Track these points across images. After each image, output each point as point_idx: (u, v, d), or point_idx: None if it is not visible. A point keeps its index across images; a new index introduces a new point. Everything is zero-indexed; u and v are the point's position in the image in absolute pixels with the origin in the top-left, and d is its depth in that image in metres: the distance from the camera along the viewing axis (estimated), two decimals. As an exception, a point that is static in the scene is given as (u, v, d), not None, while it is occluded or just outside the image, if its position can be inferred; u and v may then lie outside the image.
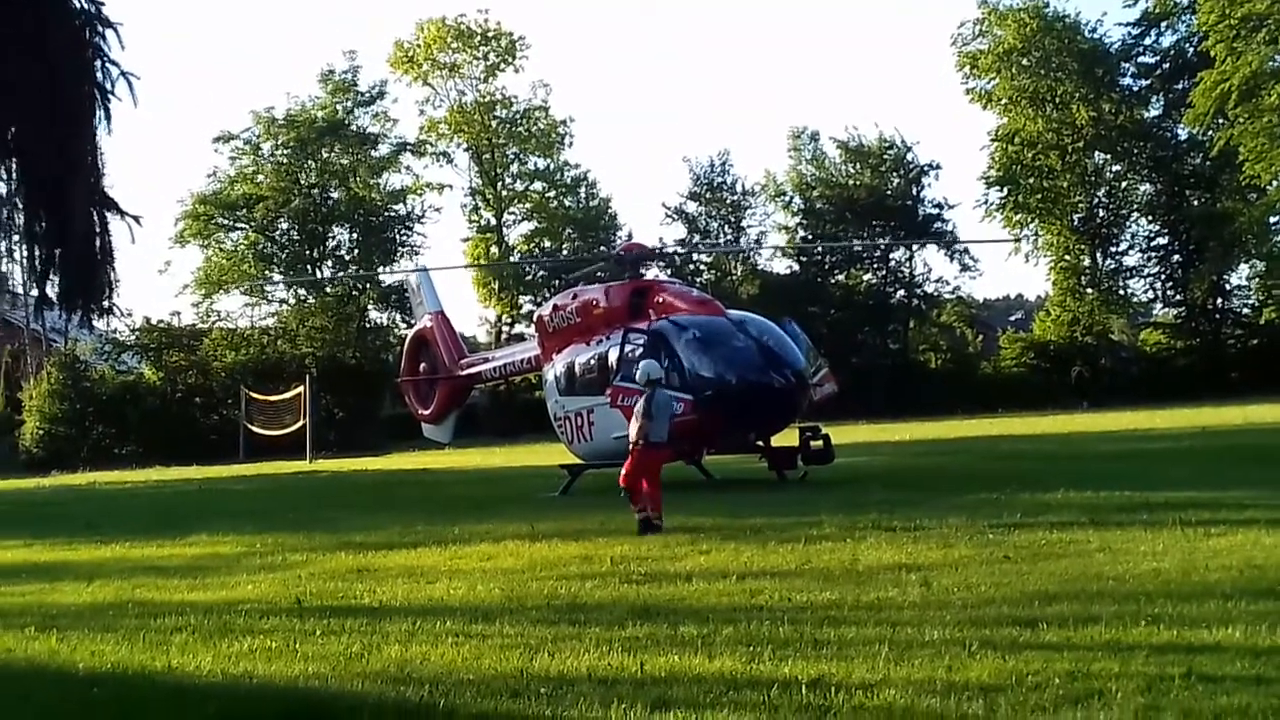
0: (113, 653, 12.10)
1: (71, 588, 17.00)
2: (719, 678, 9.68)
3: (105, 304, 40.27)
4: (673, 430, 21.58)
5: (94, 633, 13.22)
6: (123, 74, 37.46)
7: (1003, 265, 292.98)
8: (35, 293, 38.73)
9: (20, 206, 37.17)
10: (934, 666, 9.65)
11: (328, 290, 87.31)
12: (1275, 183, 76.38)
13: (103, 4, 37.04)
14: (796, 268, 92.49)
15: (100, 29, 37.35)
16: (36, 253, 37.39)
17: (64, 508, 35.21)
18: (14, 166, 35.95)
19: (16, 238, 37.54)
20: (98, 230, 37.20)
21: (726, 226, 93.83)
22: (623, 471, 21.21)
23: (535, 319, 38.35)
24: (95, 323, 48.87)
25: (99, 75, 37.10)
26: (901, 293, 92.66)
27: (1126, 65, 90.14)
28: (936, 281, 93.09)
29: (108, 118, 37.26)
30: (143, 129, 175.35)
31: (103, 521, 28.18)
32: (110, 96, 37.41)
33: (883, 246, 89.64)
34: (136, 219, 38.63)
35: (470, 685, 9.88)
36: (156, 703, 9.94)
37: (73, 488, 46.47)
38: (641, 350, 28.83)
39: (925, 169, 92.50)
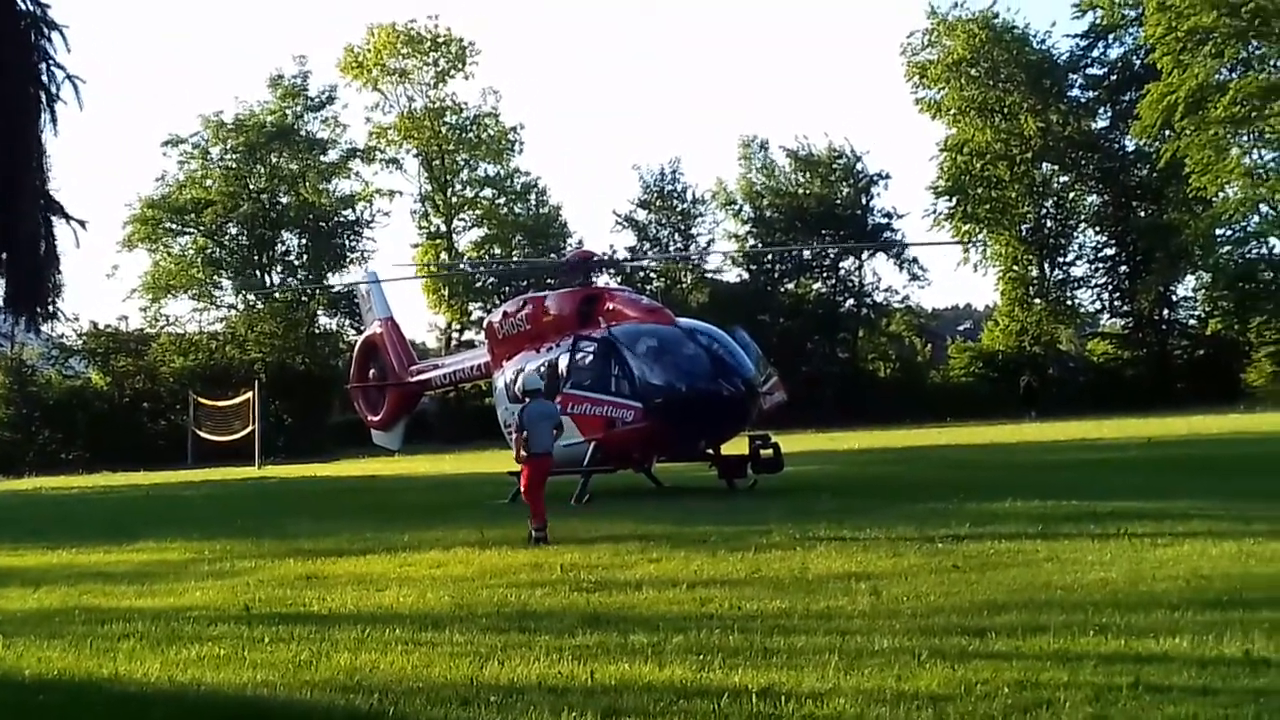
0: (59, 659, 12.04)
1: (18, 594, 16.90)
2: (669, 686, 9.69)
3: (51, 308, 39.97)
4: (557, 445, 22.08)
5: (40, 639, 13.15)
6: (68, 77, 37.14)
7: (952, 275, 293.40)
8: (-19, 298, 38.40)
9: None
10: (884, 675, 9.69)
11: (277, 296, 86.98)
12: (1221, 195, 77.02)
13: (48, 6, 36.76)
14: (746, 276, 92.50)
15: (45, 31, 37.07)
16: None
17: (10, 513, 35.00)
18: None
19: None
20: (43, 234, 36.92)
21: (676, 234, 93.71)
22: (520, 487, 21.67)
23: (485, 326, 38.29)
24: (41, 327, 48.56)
25: (44, 78, 36.84)
26: (851, 302, 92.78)
27: (1074, 76, 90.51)
28: (886, 290, 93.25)
29: (53, 121, 36.98)
30: (89, 132, 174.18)
31: (49, 527, 28.02)
32: (56, 99, 37.16)
33: (832, 254, 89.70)
34: (82, 223, 38.32)
35: (420, 693, 9.87)
36: (103, 710, 9.90)
37: (19, 493, 46.19)
38: (592, 359, 28.86)
39: (875, 178, 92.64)
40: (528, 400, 22.21)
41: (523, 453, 21.22)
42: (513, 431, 21.69)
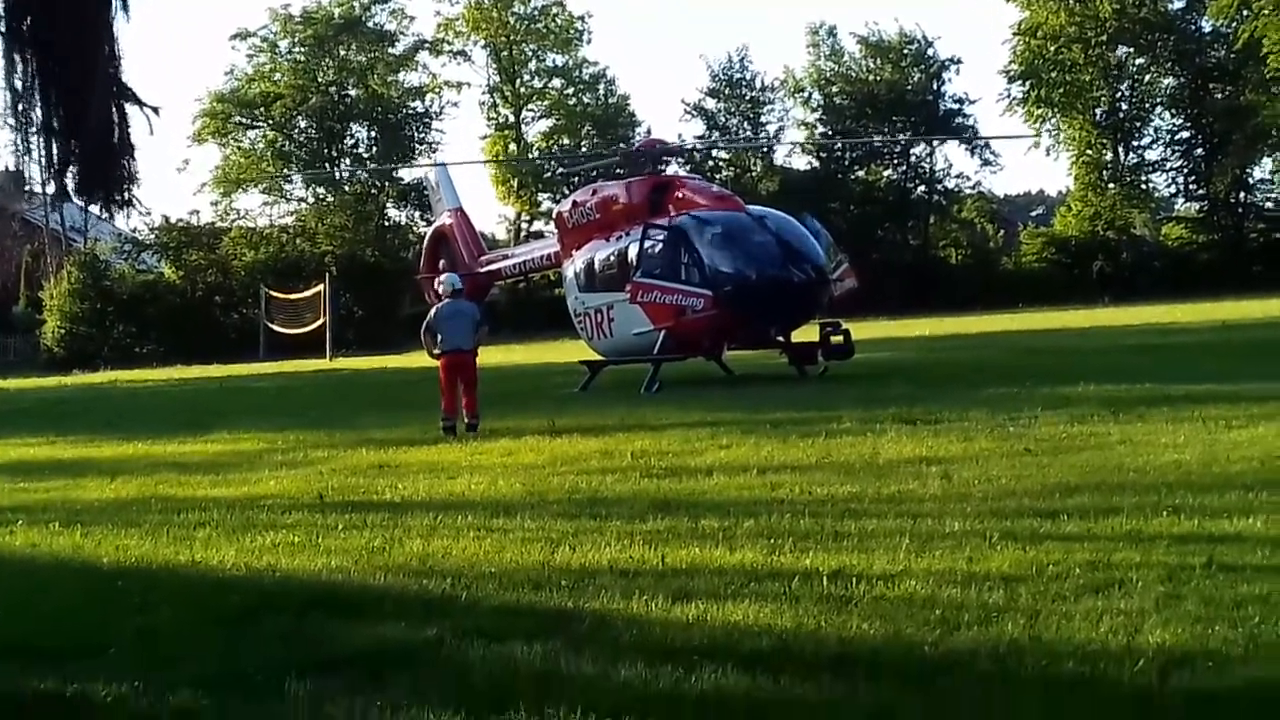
0: (137, 547, 12.16)
1: (95, 484, 17.08)
2: (740, 569, 9.70)
3: (124, 196, 40.16)
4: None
5: (118, 528, 13.28)
6: (143, -39, 37.09)
7: (1023, 160, 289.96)
8: (54, 186, 38.61)
9: (38, 99, 36.96)
10: (954, 557, 9.67)
11: (346, 188, 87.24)
12: (1300, 76, 75.83)
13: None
14: (816, 164, 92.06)
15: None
16: (54, 145, 37.19)
17: (86, 406, 35.32)
18: (31, 58, 35.72)
19: (34, 130, 37.31)
20: (115, 121, 36.99)
21: (746, 123, 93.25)
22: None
23: (555, 216, 38.22)
24: (115, 215, 48.83)
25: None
26: (922, 188, 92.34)
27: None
28: (957, 177, 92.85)
29: (125, 8, 36.99)
30: (161, 25, 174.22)
31: (124, 419, 28.34)
32: (128, -13, 37.12)
33: (902, 142, 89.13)
34: (155, 110, 38.52)
35: (492, 578, 9.91)
36: (181, 594, 10.00)
37: (94, 386, 46.62)
38: (661, 247, 28.78)
39: (946, 64, 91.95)
40: (445, 300, 22.68)
41: (434, 350, 21.96)
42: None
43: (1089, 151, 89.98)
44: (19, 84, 34.96)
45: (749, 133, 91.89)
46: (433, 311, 22.80)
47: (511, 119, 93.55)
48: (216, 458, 19.80)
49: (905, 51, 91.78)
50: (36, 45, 34.82)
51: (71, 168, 36.71)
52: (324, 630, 8.87)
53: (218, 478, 17.02)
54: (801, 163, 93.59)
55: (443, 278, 24.03)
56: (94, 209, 42.08)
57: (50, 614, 9.69)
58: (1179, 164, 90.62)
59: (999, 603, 8.42)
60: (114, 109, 36.27)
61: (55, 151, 36.33)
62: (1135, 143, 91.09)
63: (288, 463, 18.26)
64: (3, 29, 34.10)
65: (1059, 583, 8.82)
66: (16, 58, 34.69)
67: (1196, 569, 8.92)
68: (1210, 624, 7.70)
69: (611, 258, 31.03)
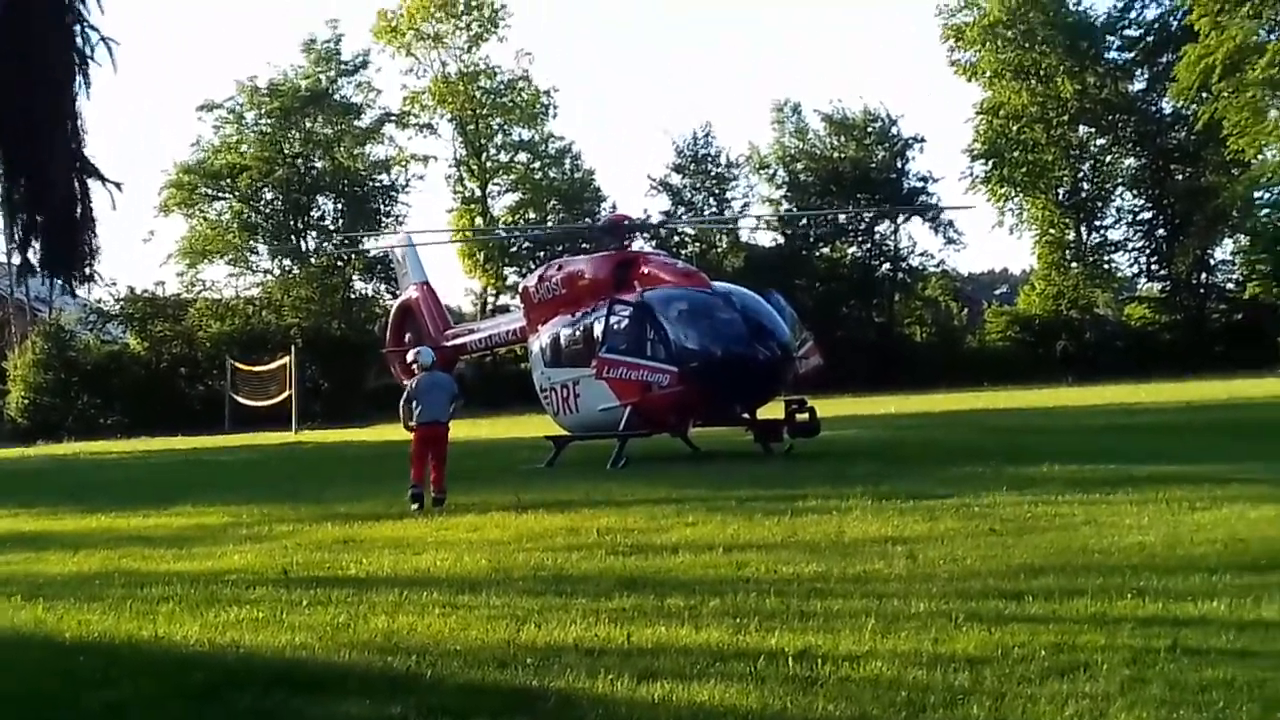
0: (99, 622, 12.11)
1: (57, 557, 17.00)
2: (705, 649, 9.71)
3: (87, 270, 40.13)
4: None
5: (80, 602, 13.22)
6: (103, 39, 37.21)
7: (987, 239, 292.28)
8: (17, 260, 38.59)
9: (0, 173, 36.98)
10: (920, 638, 9.69)
11: (312, 261, 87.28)
12: (1260, 157, 76.46)
13: (82, -32, 36.78)
14: (781, 240, 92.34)
15: (80, -7, 37.11)
16: (17, 219, 37.20)
17: (49, 478, 35.24)
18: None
19: (-3, 205, 37.36)
20: (78, 196, 37.00)
21: (711, 199, 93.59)
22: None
23: (520, 290, 38.28)
24: (77, 290, 48.77)
25: (79, 40, 36.86)
26: (886, 266, 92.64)
27: (1111, 38, 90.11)
28: (921, 255, 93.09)
29: (87, 84, 37.07)
30: (125, 97, 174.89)
31: (88, 492, 28.19)
32: (90, 62, 37.20)
33: (867, 218, 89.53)
34: (117, 185, 38.51)
35: (457, 655, 9.92)
36: (144, 670, 9.96)
37: (58, 458, 46.48)
38: (627, 323, 28.85)
39: (910, 142, 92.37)
40: (422, 374, 22.87)
41: (410, 422, 22.34)
42: (409, 406, 22.60)
43: (1052, 230, 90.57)
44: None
45: (714, 208, 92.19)
46: (413, 383, 23.01)
47: (478, 193, 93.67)
48: (181, 531, 19.71)
49: (869, 129, 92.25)
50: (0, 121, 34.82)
51: (34, 242, 36.67)
52: (288, 708, 8.86)
53: (181, 552, 16.94)
54: (766, 239, 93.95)
55: (418, 351, 24.22)
56: (58, 285, 42.03)
57: (13, 689, 9.64)
58: (1141, 244, 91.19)
59: (964, 685, 8.45)
60: (76, 184, 36.27)
61: (18, 226, 36.32)
62: (1098, 222, 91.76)
63: (252, 537, 18.21)
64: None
65: (1024, 665, 8.85)
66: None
67: (1161, 652, 8.97)
68: (1175, 708, 7.74)
69: (577, 333, 31.13)
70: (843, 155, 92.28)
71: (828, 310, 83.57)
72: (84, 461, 43.35)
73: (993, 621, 10.10)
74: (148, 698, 9.24)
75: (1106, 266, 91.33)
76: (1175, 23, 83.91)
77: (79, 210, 37.50)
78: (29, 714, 8.92)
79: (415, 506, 21.08)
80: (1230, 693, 7.99)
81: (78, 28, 37.18)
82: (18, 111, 35.09)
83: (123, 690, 9.46)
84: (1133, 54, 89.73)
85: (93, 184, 38.18)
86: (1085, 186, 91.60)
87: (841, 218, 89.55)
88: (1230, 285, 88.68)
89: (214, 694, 9.23)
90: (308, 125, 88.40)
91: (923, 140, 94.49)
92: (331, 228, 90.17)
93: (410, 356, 29.29)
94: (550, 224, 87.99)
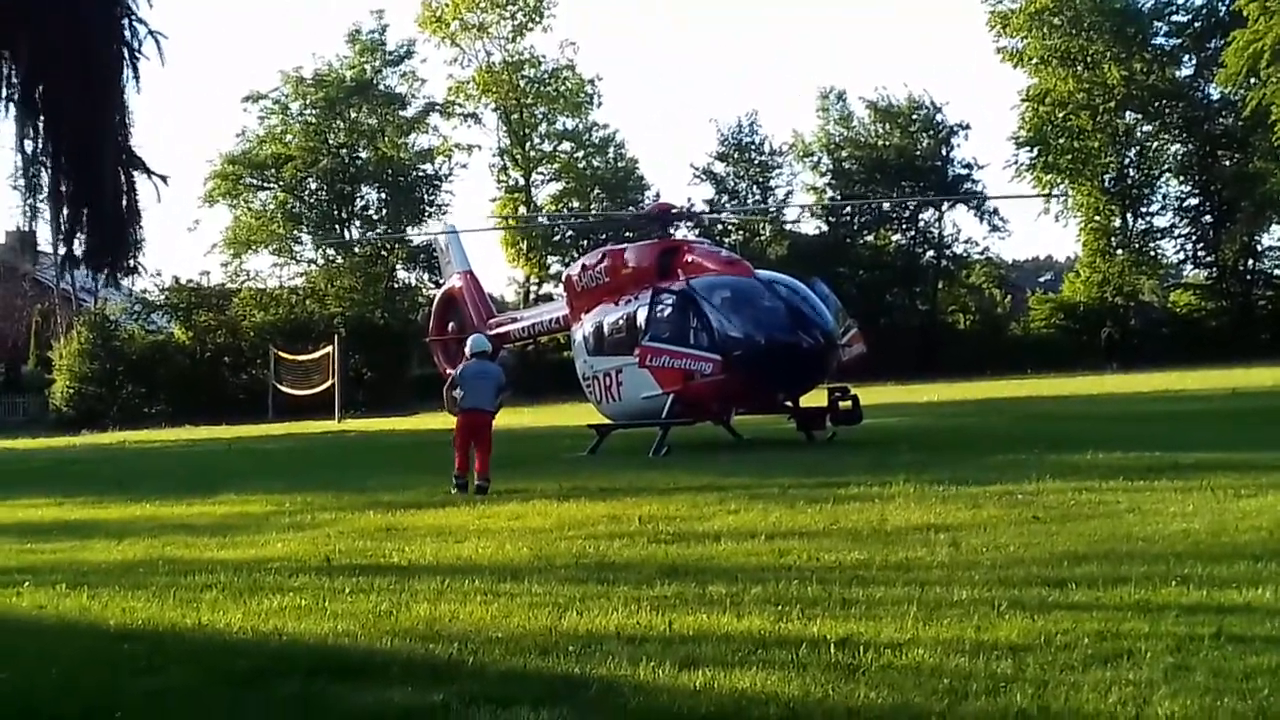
0: (143, 609, 12.16)
1: (102, 546, 17.08)
2: (747, 636, 9.69)
3: (131, 263, 40.29)
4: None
5: (124, 590, 13.28)
6: (151, 33, 37.26)
7: (1032, 226, 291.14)
8: (63, 251, 38.78)
9: (48, 165, 37.15)
10: (962, 626, 9.65)
11: (356, 250, 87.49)
12: (1308, 143, 75.93)
13: (132, -40, 36.86)
14: (825, 228, 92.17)
15: (129, -15, 37.21)
16: (64, 211, 37.36)
17: (94, 467, 35.37)
18: (42, 125, 35.90)
19: (44, 196, 37.51)
20: (125, 189, 37.13)
21: (754, 187, 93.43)
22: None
23: (564, 279, 38.29)
24: (122, 281, 48.97)
25: (127, 34, 36.99)
26: (930, 253, 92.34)
27: (1158, 24, 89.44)
28: (965, 242, 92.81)
29: (136, 77, 37.16)
30: (172, 88, 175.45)
31: (133, 480, 28.31)
32: (139, 55, 37.32)
33: (911, 205, 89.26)
34: (164, 178, 38.52)
35: (499, 643, 9.91)
36: (186, 658, 9.99)
37: (103, 447, 46.68)
38: (670, 311, 28.83)
39: (955, 129, 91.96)
40: (471, 359, 23.15)
41: (454, 408, 22.65)
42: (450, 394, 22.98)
43: (1097, 218, 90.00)
44: (29, 148, 35.09)
45: (758, 196, 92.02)
46: (459, 369, 23.34)
47: (521, 182, 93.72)
48: (224, 519, 19.78)
49: (914, 116, 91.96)
50: (48, 112, 34.98)
51: (79, 235, 36.80)
52: (330, 695, 8.87)
53: (225, 540, 17.01)
54: (810, 227, 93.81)
55: (472, 339, 24.37)
56: (101, 276, 42.19)
57: (57, 676, 9.67)
58: (1187, 231, 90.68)
59: (1007, 672, 8.41)
60: (123, 177, 36.40)
61: (64, 217, 36.48)
62: (1143, 209, 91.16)
63: (295, 525, 18.25)
64: (16, 95, 34.24)
65: (1067, 653, 8.80)
66: (28, 124, 34.82)
67: (1205, 640, 8.91)
68: (1219, 696, 7.69)
69: (620, 321, 31.11)
70: (887, 143, 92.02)
71: (871, 298, 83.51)
72: (128, 450, 43.55)
73: (1035, 609, 10.06)
74: (191, 685, 9.27)
75: (1152, 253, 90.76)
76: (1224, 8, 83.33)
77: (125, 203, 37.62)
78: (74, 701, 8.95)
79: (455, 489, 21.48)
80: (1275, 680, 7.93)
81: (126, 21, 37.30)
82: (69, 106, 35.25)
83: (167, 677, 9.49)
84: (1180, 40, 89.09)
85: (139, 177, 38.31)
86: (1131, 173, 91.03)
87: (886, 205, 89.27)
88: (1277, 272, 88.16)
89: (257, 681, 9.25)
90: (352, 115, 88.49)
91: (968, 127, 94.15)
92: (375, 217, 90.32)
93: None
94: (594, 212, 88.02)
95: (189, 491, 24.10)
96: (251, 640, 10.60)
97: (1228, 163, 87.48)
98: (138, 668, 9.77)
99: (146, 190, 37.63)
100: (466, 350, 23.99)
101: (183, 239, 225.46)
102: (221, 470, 30.32)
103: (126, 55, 36.65)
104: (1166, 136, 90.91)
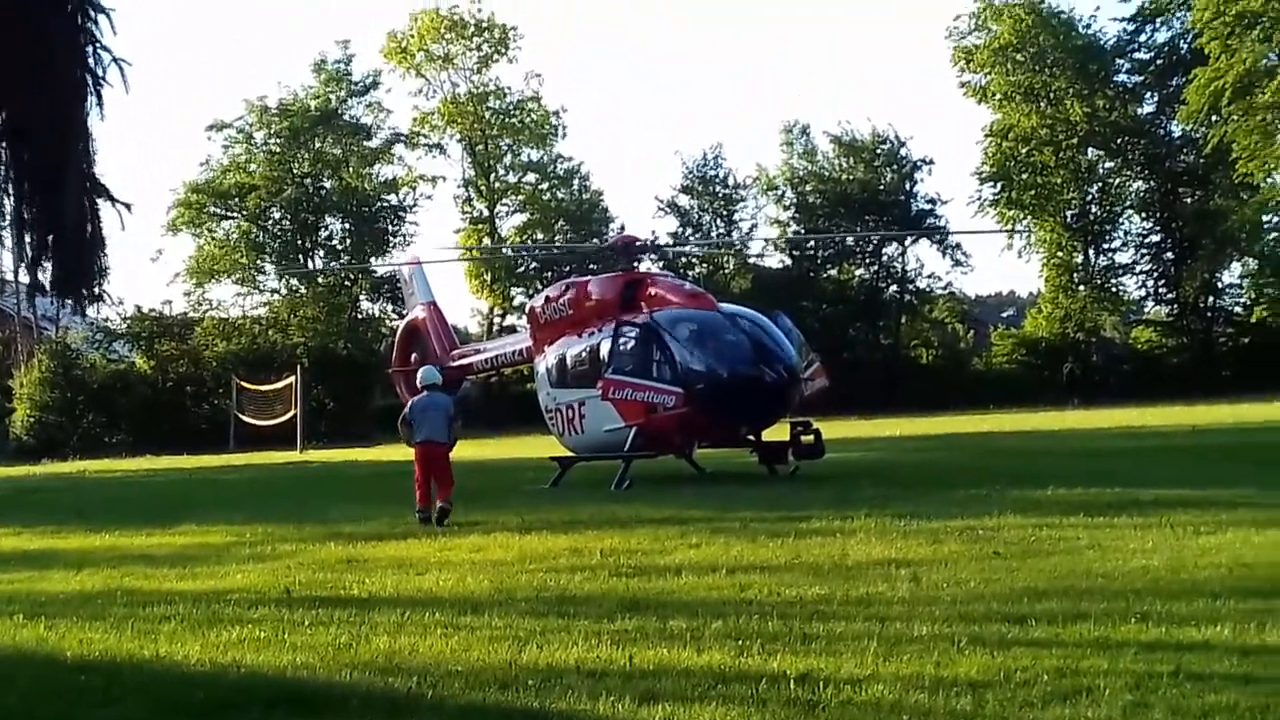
0: (101, 640, 12.11)
1: (60, 576, 16.99)
2: (707, 671, 9.69)
3: (96, 291, 40.21)
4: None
5: (82, 621, 13.22)
6: (115, 60, 37.28)
7: (995, 262, 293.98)
8: (26, 279, 38.64)
9: (10, 193, 37.05)
10: (922, 662, 9.66)
11: (319, 280, 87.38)
12: (1268, 181, 76.54)
13: (95, -11, 36.87)
14: (789, 262, 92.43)
15: (93, 14, 37.20)
16: (28, 239, 37.25)
17: (54, 496, 35.17)
18: (5, 152, 35.83)
19: (6, 224, 37.43)
20: (89, 217, 37.06)
21: (719, 220, 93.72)
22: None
23: (527, 311, 38.27)
24: (86, 310, 48.82)
25: (91, 61, 36.96)
26: (893, 288, 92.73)
27: (1121, 61, 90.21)
28: (929, 277, 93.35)
29: (100, 104, 37.14)
30: (135, 116, 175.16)
31: (92, 510, 28.18)
32: (103, 82, 37.30)
33: (875, 240, 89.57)
34: (127, 206, 38.55)
35: (459, 676, 9.90)
36: (143, 689, 9.95)
37: (63, 476, 46.46)
38: (633, 344, 28.85)
39: (918, 164, 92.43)
40: (424, 392, 23.24)
41: (411, 441, 22.71)
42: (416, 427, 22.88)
43: (1060, 253, 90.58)
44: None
45: (722, 230, 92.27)
46: (409, 403, 23.40)
47: (486, 213, 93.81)
48: (184, 550, 19.70)
49: (878, 151, 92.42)
50: (12, 138, 34.92)
51: (44, 262, 36.71)
52: (289, 729, 8.84)
53: (184, 571, 16.93)
54: (774, 261, 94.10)
55: (422, 370, 24.46)
56: (66, 304, 42.12)
57: (13, 707, 9.62)
58: (1149, 267, 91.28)
59: (967, 709, 8.42)
60: (87, 204, 36.35)
61: (29, 244, 36.37)
62: (1105, 245, 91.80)
63: (255, 556, 18.19)
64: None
65: (1027, 689, 8.82)
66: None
67: (1164, 677, 8.94)
68: (1177, 733, 7.71)
69: (583, 354, 31.11)
70: (851, 177, 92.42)
71: (834, 332, 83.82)
72: (89, 480, 43.35)
73: (995, 645, 10.08)
74: (148, 717, 9.23)
75: (1114, 289, 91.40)
76: (1185, 46, 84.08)
77: (89, 231, 37.55)
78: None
79: (420, 519, 21.59)
80: (1233, 718, 7.97)
81: (90, 49, 37.27)
82: (33, 133, 35.18)
83: (123, 709, 9.46)
84: (1142, 77, 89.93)
85: (103, 204, 38.24)
86: (1094, 209, 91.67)
87: (850, 240, 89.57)
88: (1238, 309, 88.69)
89: (215, 714, 9.23)
90: (317, 145, 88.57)
91: (931, 162, 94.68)
92: (340, 247, 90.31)
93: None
94: (558, 244, 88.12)
95: (149, 522, 23.99)
96: (209, 672, 10.56)
97: (1189, 200, 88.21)
98: (95, 699, 9.74)
99: (110, 218, 37.56)
100: (418, 382, 24.10)
101: (145, 268, 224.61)
102: (182, 500, 30.20)
103: (90, 82, 36.62)
104: (1128, 173, 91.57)
